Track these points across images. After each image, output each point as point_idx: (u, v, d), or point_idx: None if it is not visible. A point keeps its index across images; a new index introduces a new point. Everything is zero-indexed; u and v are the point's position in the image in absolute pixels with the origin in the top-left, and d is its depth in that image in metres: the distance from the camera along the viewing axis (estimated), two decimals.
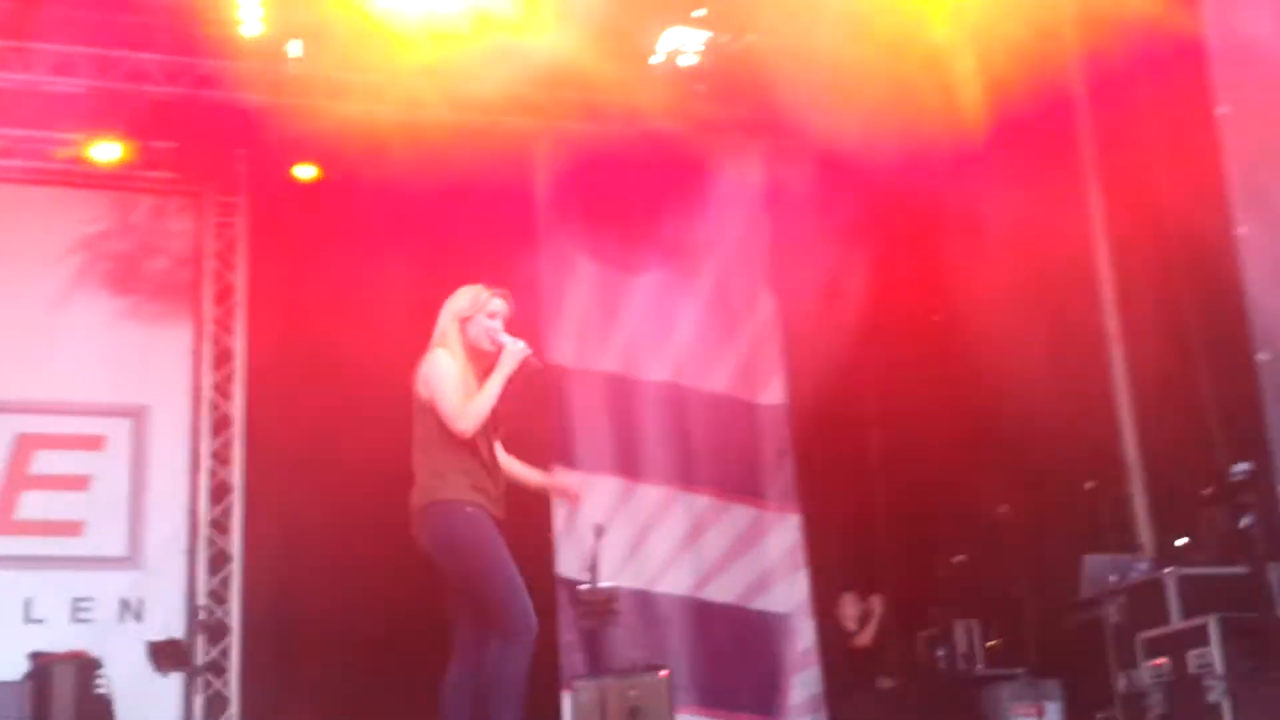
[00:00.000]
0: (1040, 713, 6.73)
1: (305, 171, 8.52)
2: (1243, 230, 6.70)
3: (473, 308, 4.79)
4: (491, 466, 4.69)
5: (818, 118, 8.29)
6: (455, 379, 4.61)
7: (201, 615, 8.01)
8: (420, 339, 7.37)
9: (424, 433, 4.70)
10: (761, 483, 8.34)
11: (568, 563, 7.55)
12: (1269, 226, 6.61)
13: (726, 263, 8.92)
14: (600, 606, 6.71)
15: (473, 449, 4.64)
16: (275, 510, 8.05)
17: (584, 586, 6.88)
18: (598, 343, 8.53)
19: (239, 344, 8.57)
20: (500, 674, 4.52)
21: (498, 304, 4.82)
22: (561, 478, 4.91)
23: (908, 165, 7.84)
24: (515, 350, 4.72)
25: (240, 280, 8.65)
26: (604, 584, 6.84)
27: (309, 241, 8.30)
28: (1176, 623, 6.14)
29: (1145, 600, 6.32)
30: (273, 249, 8.57)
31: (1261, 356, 6.46)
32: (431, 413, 4.64)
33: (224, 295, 8.66)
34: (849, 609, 7.98)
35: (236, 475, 8.39)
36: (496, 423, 4.69)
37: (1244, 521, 5.82)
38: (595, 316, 8.63)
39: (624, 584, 7.63)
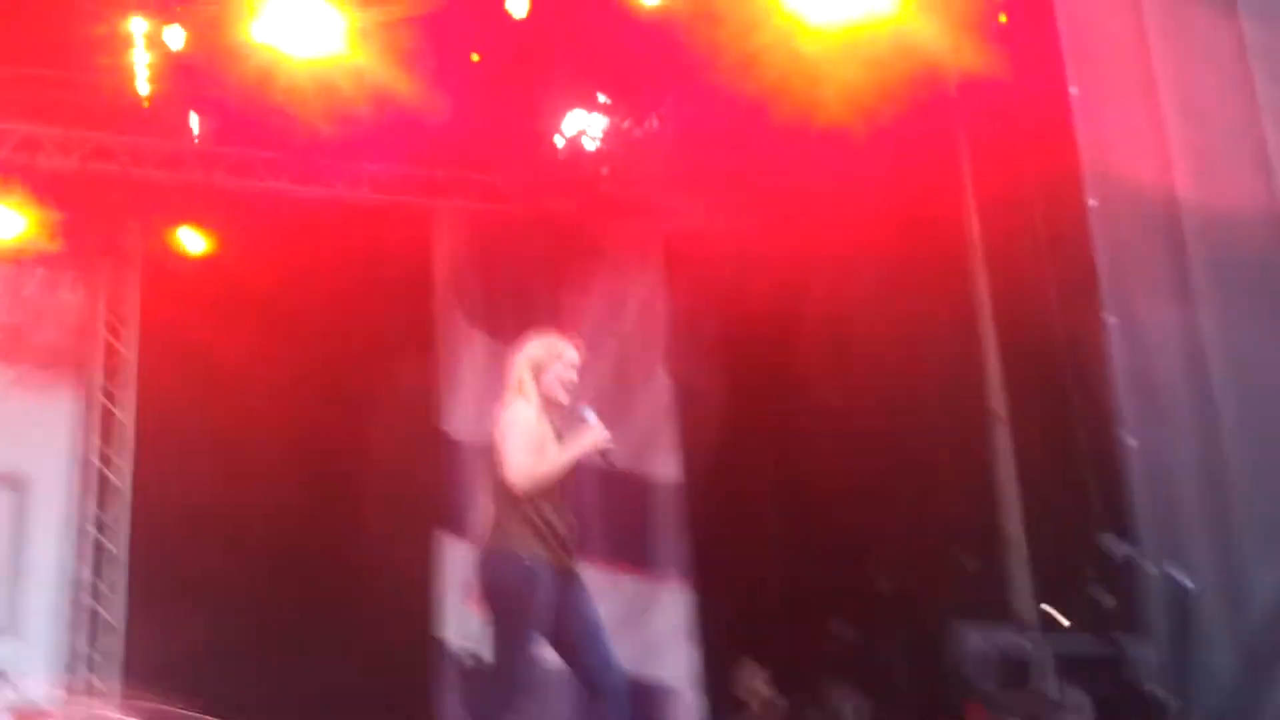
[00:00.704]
0: None
1: (199, 244, 8.55)
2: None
3: (549, 357, 4.70)
4: (558, 512, 4.59)
5: (718, 201, 8.53)
6: (529, 433, 4.53)
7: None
8: (315, 409, 7.44)
9: (493, 480, 4.63)
10: (653, 555, 8.39)
11: (451, 627, 7.54)
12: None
13: (624, 341, 9.05)
14: (472, 674, 6.72)
15: (541, 499, 4.54)
16: (161, 580, 7.99)
17: (457, 652, 6.86)
18: (488, 416, 8.59)
19: (128, 415, 8.55)
20: None
21: (573, 354, 4.74)
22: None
23: (806, 250, 8.09)
24: (600, 435, 4.63)
25: (131, 351, 8.64)
26: (476, 651, 6.85)
27: (203, 315, 8.33)
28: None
29: (1015, 673, 6.46)
30: (165, 321, 8.58)
31: (1127, 439, 6.68)
32: (496, 461, 4.55)
33: (114, 367, 8.65)
34: (748, 678, 7.99)
35: (122, 544, 8.34)
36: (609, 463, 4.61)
37: (1105, 601, 6.00)
38: (491, 391, 8.69)
39: None
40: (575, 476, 8.44)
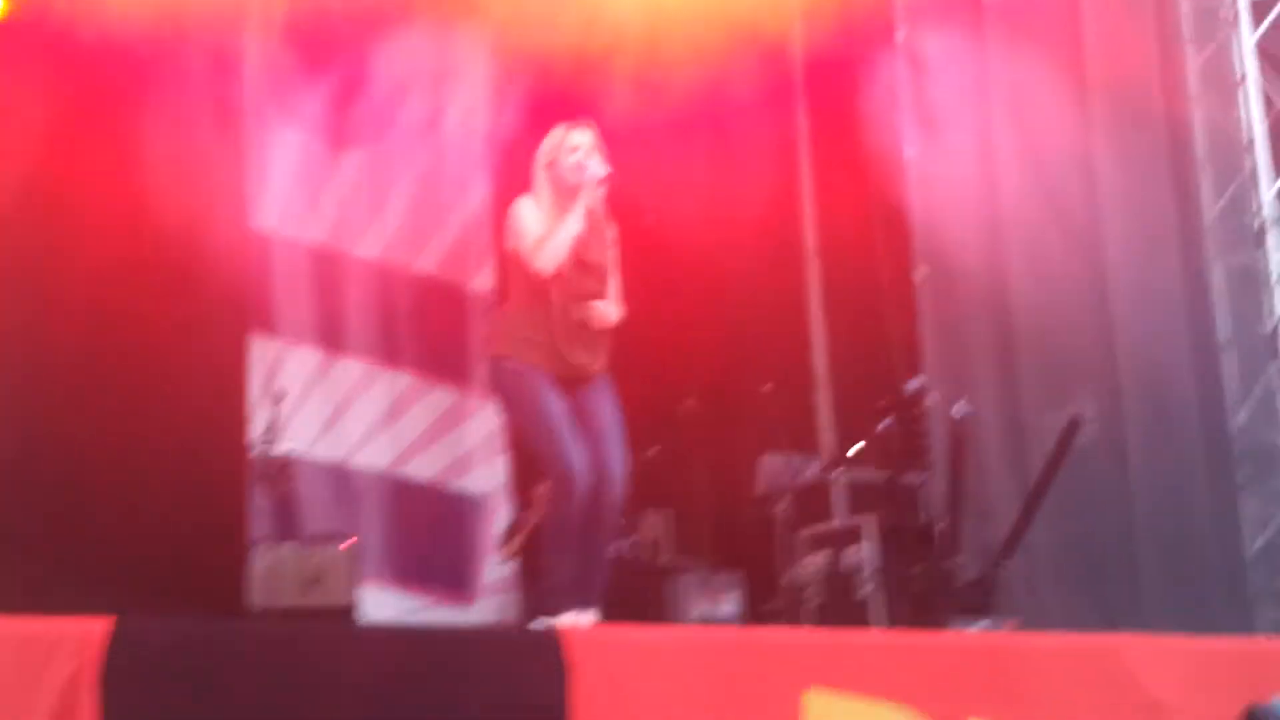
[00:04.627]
0: (718, 603, 7.34)
1: None
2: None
3: (553, 149, 4.95)
4: (569, 321, 4.82)
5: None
6: (534, 220, 4.80)
7: None
8: (119, 199, 7.31)
9: (506, 287, 4.98)
10: (466, 367, 8.64)
11: (256, 430, 7.72)
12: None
13: (443, 143, 9.08)
14: (272, 472, 6.96)
15: (547, 302, 4.77)
16: None
17: (256, 452, 7.08)
18: (304, 213, 8.63)
19: None
20: (550, 517, 4.80)
21: (576, 136, 4.97)
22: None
23: None
24: (590, 177, 4.87)
25: None
26: (279, 450, 7.09)
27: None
28: (837, 522, 6.90)
29: (812, 500, 7.05)
30: None
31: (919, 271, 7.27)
32: (515, 264, 4.83)
33: None
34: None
35: None
36: (585, 267, 4.77)
37: (881, 425, 6.55)
38: (303, 187, 8.71)
39: (320, 455, 7.92)
40: (389, 284, 8.64)
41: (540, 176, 5.04)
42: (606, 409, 5.11)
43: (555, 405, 4.90)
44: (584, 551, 5.02)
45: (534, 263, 4.84)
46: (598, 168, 4.97)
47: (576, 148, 5.00)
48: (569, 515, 4.87)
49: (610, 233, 5.24)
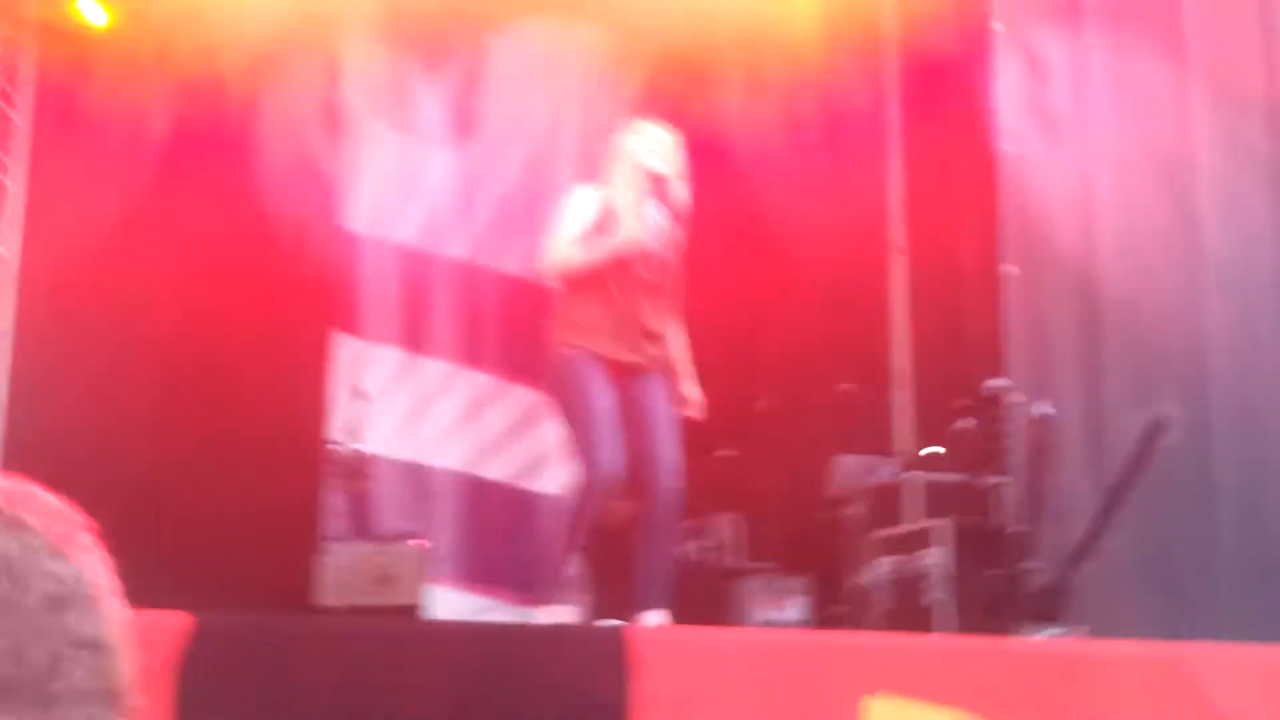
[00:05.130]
0: (783, 607, 7.33)
1: (100, 16, 8.47)
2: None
3: (633, 142, 4.96)
4: (628, 304, 4.88)
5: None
6: (576, 218, 4.84)
7: None
8: (215, 198, 7.48)
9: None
10: (545, 366, 8.70)
11: (336, 428, 7.88)
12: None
13: (536, 144, 9.17)
14: (349, 469, 7.09)
15: (604, 286, 4.84)
16: (44, 366, 8.08)
17: (334, 447, 7.20)
18: (394, 213, 8.81)
19: (19, 186, 8.58)
20: (575, 505, 4.89)
21: (654, 136, 4.96)
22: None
23: None
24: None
25: (25, 122, 8.63)
26: (357, 447, 7.23)
27: (102, 91, 8.28)
28: (911, 524, 6.88)
29: (885, 502, 7.02)
30: (62, 94, 8.54)
31: (1006, 269, 7.21)
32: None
33: (6, 135, 8.62)
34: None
35: (7, 320, 8.44)
36: (649, 259, 4.81)
37: (960, 424, 6.48)
38: (394, 186, 8.88)
39: (398, 455, 8.06)
40: (474, 284, 8.75)
41: (612, 164, 4.99)
42: (659, 404, 5.11)
43: (601, 397, 4.88)
44: (646, 551, 5.06)
45: (543, 268, 4.82)
46: (671, 168, 4.95)
47: (651, 150, 4.97)
48: (589, 508, 4.88)
49: (678, 234, 5.23)
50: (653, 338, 5.02)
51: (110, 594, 1.23)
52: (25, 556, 1.16)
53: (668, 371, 5.28)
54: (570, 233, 4.91)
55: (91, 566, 1.23)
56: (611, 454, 4.85)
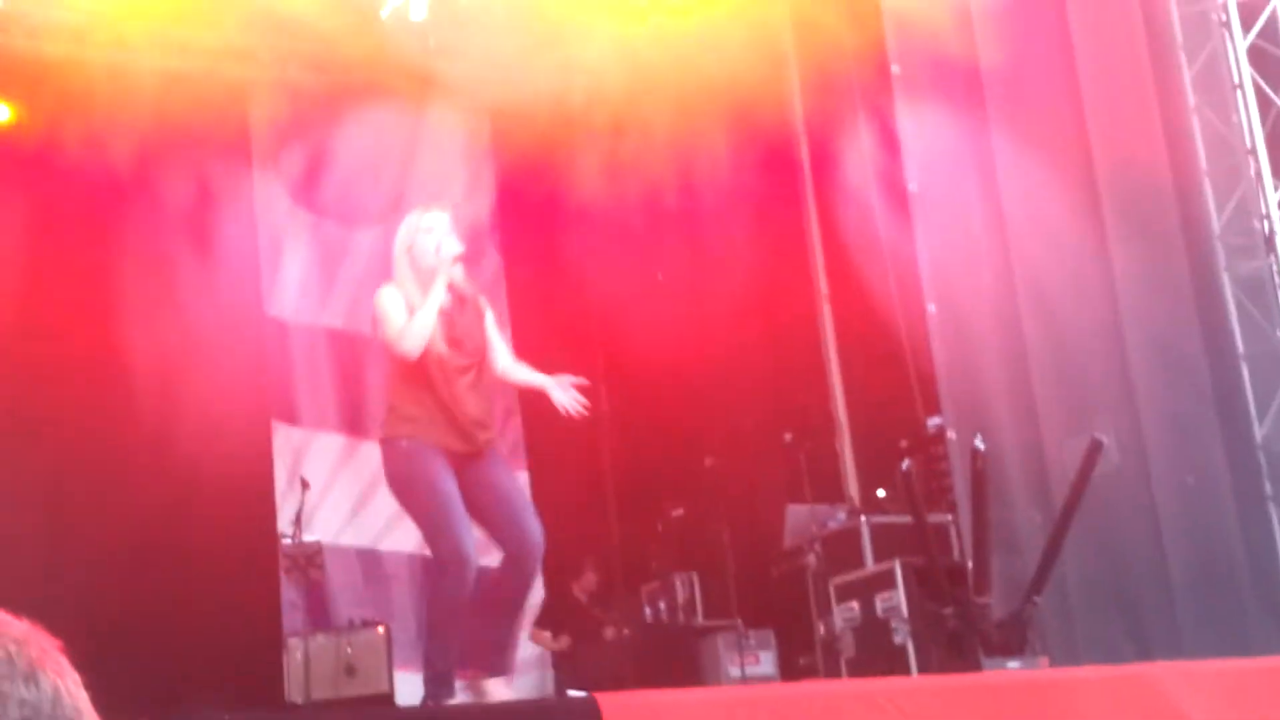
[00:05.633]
0: (755, 661, 7.37)
1: (2, 113, 8.42)
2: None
3: (410, 232, 4.97)
4: (452, 397, 4.86)
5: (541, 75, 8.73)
6: (396, 305, 4.82)
7: None
8: (119, 291, 7.39)
9: (388, 368, 4.99)
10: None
11: (285, 520, 7.82)
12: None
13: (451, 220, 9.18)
14: (303, 561, 7.03)
15: (428, 381, 4.82)
16: None
17: (286, 541, 7.16)
18: (319, 297, 8.78)
19: None
20: (432, 602, 4.85)
21: (431, 218, 4.97)
22: (561, 380, 5.11)
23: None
24: (445, 256, 4.88)
25: None
26: (308, 539, 7.16)
27: (3, 187, 8.22)
28: (867, 569, 6.94)
29: (841, 548, 7.08)
30: None
31: (930, 309, 7.35)
32: (387, 351, 4.85)
33: None
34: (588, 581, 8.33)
35: None
36: (458, 344, 4.86)
37: (904, 465, 6.56)
38: (316, 270, 8.85)
39: (347, 542, 7.99)
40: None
41: (400, 262, 4.99)
42: (503, 479, 5.14)
43: (446, 485, 4.86)
44: (508, 618, 5.09)
45: (399, 348, 4.83)
46: (453, 246, 4.96)
47: (431, 229, 4.99)
48: (460, 597, 4.87)
49: (482, 304, 5.23)
50: (482, 425, 5.04)
51: (83, 713, 1.26)
52: None
53: (499, 446, 5.34)
54: (397, 314, 4.91)
55: (63, 688, 1.25)
56: (465, 538, 4.85)
